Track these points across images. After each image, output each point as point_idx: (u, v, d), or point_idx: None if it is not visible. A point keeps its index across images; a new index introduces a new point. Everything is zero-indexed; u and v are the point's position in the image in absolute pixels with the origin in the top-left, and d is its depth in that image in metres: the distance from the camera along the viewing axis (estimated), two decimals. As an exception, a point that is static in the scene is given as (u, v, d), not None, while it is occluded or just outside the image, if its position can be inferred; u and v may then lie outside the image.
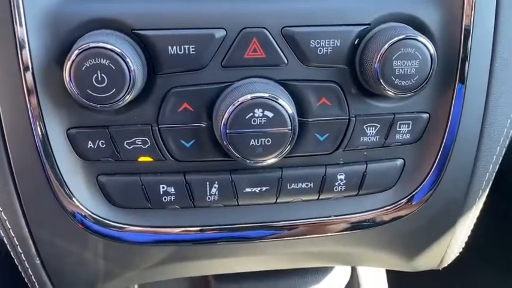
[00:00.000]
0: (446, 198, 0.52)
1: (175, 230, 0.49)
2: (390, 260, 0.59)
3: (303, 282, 0.80)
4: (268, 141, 0.43)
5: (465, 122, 0.49)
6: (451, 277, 0.82)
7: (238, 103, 0.42)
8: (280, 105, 0.43)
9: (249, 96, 0.42)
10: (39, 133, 0.43)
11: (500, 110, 0.50)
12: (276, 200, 0.49)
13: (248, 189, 0.48)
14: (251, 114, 0.42)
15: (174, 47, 0.42)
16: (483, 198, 0.54)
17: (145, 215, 0.48)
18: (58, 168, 0.44)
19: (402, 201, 0.52)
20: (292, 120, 0.43)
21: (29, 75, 0.41)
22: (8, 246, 0.49)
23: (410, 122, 0.49)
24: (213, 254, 0.54)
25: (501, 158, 0.52)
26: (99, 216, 0.47)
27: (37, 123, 0.43)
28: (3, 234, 0.48)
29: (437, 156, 0.50)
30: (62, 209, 0.46)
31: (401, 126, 0.49)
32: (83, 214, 0.46)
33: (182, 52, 0.42)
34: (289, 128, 0.43)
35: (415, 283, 0.79)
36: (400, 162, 0.51)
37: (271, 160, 0.44)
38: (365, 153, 0.50)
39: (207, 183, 0.48)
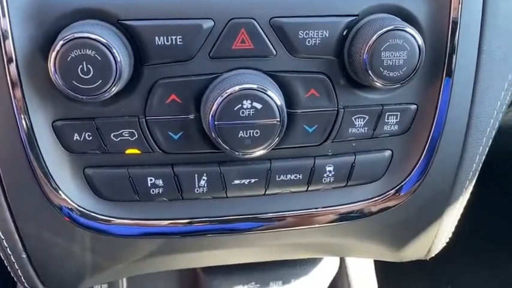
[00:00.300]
0: (434, 189, 0.53)
1: (163, 222, 0.48)
2: (378, 251, 0.60)
3: (292, 273, 0.81)
4: (256, 132, 0.43)
5: (452, 113, 0.49)
6: (437, 267, 0.83)
7: (227, 94, 0.42)
8: (269, 96, 0.42)
9: (237, 88, 0.42)
10: (24, 126, 0.42)
11: (487, 101, 0.50)
12: (265, 191, 0.49)
13: (237, 181, 0.48)
14: (239, 105, 0.42)
15: (161, 38, 0.42)
16: (470, 189, 0.55)
17: (132, 208, 0.48)
18: (44, 161, 0.44)
19: (390, 192, 0.52)
20: (281, 111, 0.43)
21: (12, 67, 0.40)
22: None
23: (399, 113, 0.49)
24: (201, 246, 0.54)
25: (487, 149, 0.53)
26: (85, 209, 0.46)
27: (22, 116, 0.42)
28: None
29: (425, 147, 0.50)
30: (48, 202, 0.45)
31: (390, 117, 0.49)
32: (70, 207, 0.46)
33: (169, 43, 0.42)
34: (278, 119, 0.43)
35: (402, 272, 0.79)
36: (388, 153, 0.51)
37: (259, 152, 0.44)
38: (353, 144, 0.50)
39: (196, 175, 0.47)
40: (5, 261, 0.50)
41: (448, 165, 0.52)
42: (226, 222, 0.50)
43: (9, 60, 0.40)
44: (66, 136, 0.44)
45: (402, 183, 0.52)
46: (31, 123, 0.42)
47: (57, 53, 0.38)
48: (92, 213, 0.47)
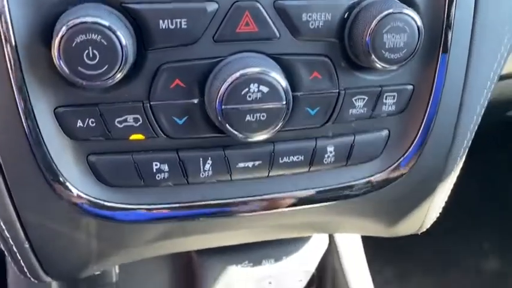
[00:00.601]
0: (428, 166, 0.55)
1: (169, 206, 0.48)
2: (373, 227, 0.62)
3: (283, 251, 0.83)
4: (263, 116, 0.43)
5: (447, 91, 0.51)
6: (422, 241, 0.86)
7: (234, 79, 0.42)
8: (275, 79, 0.43)
9: (244, 72, 0.42)
10: (26, 113, 0.41)
11: (480, 80, 0.52)
12: (268, 173, 0.50)
13: (241, 164, 0.48)
14: (246, 89, 0.42)
15: (166, 21, 0.41)
16: (460, 165, 0.57)
17: (137, 194, 0.47)
18: (46, 148, 0.43)
19: (387, 170, 0.54)
20: (287, 94, 0.43)
21: (12, 52, 0.39)
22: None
23: (396, 93, 0.50)
24: (203, 228, 0.55)
25: (477, 126, 0.55)
26: (90, 196, 0.46)
27: (23, 103, 0.41)
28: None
29: (420, 125, 0.52)
30: (52, 190, 0.44)
31: (388, 98, 0.50)
32: (74, 195, 0.45)
33: (174, 26, 0.41)
34: (284, 102, 0.43)
35: (389, 247, 0.82)
36: (385, 132, 0.53)
37: (265, 135, 0.45)
38: (353, 125, 0.51)
39: (201, 159, 0.47)
40: (5, 252, 0.49)
41: (442, 143, 0.54)
42: (231, 205, 0.50)
43: (8, 44, 0.39)
44: (68, 123, 0.43)
45: (399, 161, 0.53)
46: (33, 110, 0.41)
47: (61, 39, 0.37)
48: (97, 200, 0.46)
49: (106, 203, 0.47)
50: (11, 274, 0.74)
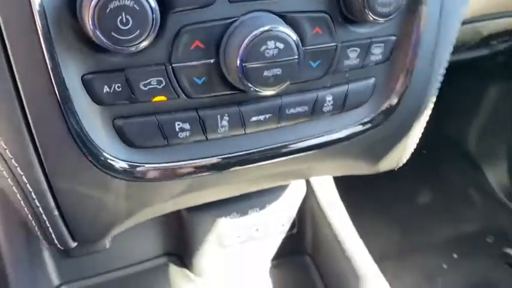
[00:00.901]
0: (409, 107, 0.62)
1: (191, 162, 0.52)
2: (358, 166, 0.69)
3: (267, 200, 0.89)
4: (278, 71, 0.47)
5: (424, 41, 0.58)
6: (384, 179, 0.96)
7: (253, 37, 0.45)
8: (289, 36, 0.46)
9: (262, 29, 0.45)
10: (57, 81, 0.42)
11: (452, 23, 0.59)
12: (277, 125, 0.55)
13: (254, 118, 0.52)
14: (265, 46, 0.46)
15: None
16: (432, 104, 0.65)
17: (161, 153, 0.50)
18: (77, 115, 0.44)
19: (374, 113, 0.61)
20: (299, 49, 0.47)
21: (43, 20, 0.39)
22: (15, 204, 0.48)
23: (383, 44, 0.56)
24: (216, 181, 0.58)
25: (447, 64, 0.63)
26: (118, 159, 0.48)
27: (54, 71, 0.41)
28: (15, 190, 0.47)
29: (402, 72, 0.59)
30: (83, 155, 0.46)
31: (376, 48, 0.56)
32: (103, 158, 0.47)
33: None
34: (296, 57, 0.48)
35: (358, 186, 0.91)
36: (372, 80, 0.59)
37: (279, 89, 0.49)
38: (347, 75, 0.56)
39: (218, 116, 0.51)
40: (30, 222, 0.50)
41: (420, 85, 0.61)
42: (247, 155, 0.54)
43: (39, 14, 0.39)
44: (95, 89, 0.44)
45: (384, 105, 0.60)
46: (63, 78, 0.42)
47: (95, 6, 0.38)
48: (125, 162, 0.48)
49: (133, 164, 0.49)
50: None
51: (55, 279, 0.79)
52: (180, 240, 0.88)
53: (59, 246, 0.52)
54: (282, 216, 0.91)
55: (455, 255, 1.48)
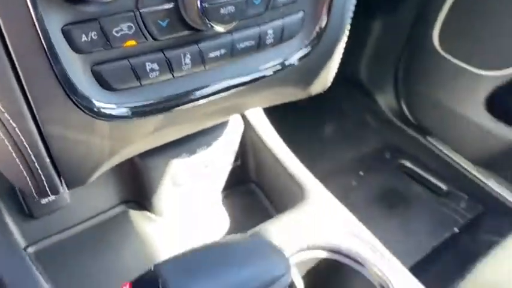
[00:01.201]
0: (333, 33, 0.73)
1: (163, 99, 0.58)
2: (293, 93, 0.79)
3: (211, 138, 0.97)
4: (232, 8, 0.55)
5: None
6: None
7: (209, -19, 0.52)
8: None
9: None
10: (42, 32, 0.45)
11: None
12: (230, 59, 0.62)
13: (212, 54, 0.60)
14: None
15: None
16: (348, 28, 0.77)
17: (136, 93, 0.56)
18: (61, 62, 0.48)
19: (306, 42, 0.71)
20: None
21: None
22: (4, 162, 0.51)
23: None
24: (181, 118, 0.65)
25: None
26: (100, 102, 0.53)
27: (38, 23, 0.44)
28: (7, 144, 0.50)
29: (325, 4, 0.69)
30: (70, 100, 0.50)
31: None
32: (88, 102, 0.51)
33: None
34: None
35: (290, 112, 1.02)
36: (301, 13, 0.68)
37: (231, 26, 0.56)
38: (281, 10, 0.65)
39: (181, 54, 0.57)
40: (22, 173, 0.53)
41: (340, 14, 0.72)
42: (206, 88, 0.62)
43: None
44: (75, 39, 0.48)
45: (313, 34, 0.71)
46: (47, 29, 0.45)
47: None
48: (105, 104, 0.53)
49: (113, 105, 0.54)
50: None
51: (21, 242, 0.81)
52: (135, 187, 0.94)
53: (49, 194, 0.56)
54: (226, 151, 1.00)
55: (361, 173, 1.66)
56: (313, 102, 0.93)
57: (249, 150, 1.04)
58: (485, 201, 1.56)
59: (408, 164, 1.73)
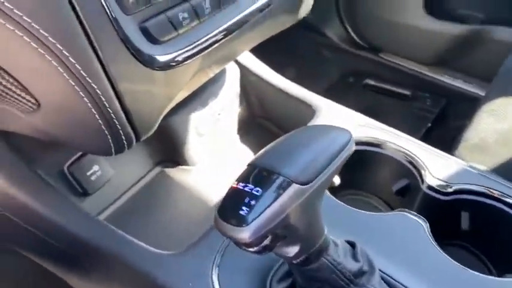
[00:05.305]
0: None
1: (200, 41, 0.67)
2: (285, 21, 0.89)
3: (218, 86, 1.06)
4: None
5: None
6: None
7: None
8: None
9: None
10: (107, 4, 0.54)
11: None
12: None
13: None
14: None
15: None
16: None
17: (177, 42, 0.65)
18: (122, 27, 0.56)
19: None
20: None
21: None
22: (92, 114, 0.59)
23: None
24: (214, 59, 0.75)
25: None
26: (154, 54, 0.62)
27: None
28: (86, 100, 0.58)
29: None
30: (133, 57, 0.59)
31: None
32: (144, 56, 0.60)
33: None
34: None
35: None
36: None
37: None
38: None
39: (202, 2, 0.66)
40: (103, 131, 0.61)
41: None
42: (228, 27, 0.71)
43: None
44: (124, 1, 0.56)
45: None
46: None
47: None
48: (158, 55, 0.62)
49: (164, 56, 0.63)
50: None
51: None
52: (165, 147, 1.03)
53: (126, 147, 0.65)
54: (231, 96, 1.10)
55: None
56: (269, 49, 1.02)
57: (249, 89, 1.15)
58: (446, 95, 1.75)
59: (371, 82, 1.89)
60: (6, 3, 0.49)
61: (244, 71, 1.13)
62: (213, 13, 0.68)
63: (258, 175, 0.51)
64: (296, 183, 0.49)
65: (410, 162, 0.88)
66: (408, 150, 0.88)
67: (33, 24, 0.50)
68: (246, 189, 0.49)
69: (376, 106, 1.85)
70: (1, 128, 0.71)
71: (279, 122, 1.15)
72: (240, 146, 1.14)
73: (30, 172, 0.81)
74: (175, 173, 1.04)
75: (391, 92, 1.84)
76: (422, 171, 0.84)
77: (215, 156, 1.10)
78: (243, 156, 1.12)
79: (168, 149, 1.03)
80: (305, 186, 0.50)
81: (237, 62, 1.13)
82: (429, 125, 1.70)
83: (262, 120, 1.18)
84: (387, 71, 1.87)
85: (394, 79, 1.85)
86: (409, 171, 0.88)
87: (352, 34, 1.90)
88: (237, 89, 1.12)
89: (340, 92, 1.88)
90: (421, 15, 1.68)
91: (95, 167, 0.91)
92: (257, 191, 0.48)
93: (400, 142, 0.89)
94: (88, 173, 0.90)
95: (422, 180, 0.84)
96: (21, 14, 0.50)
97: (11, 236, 0.89)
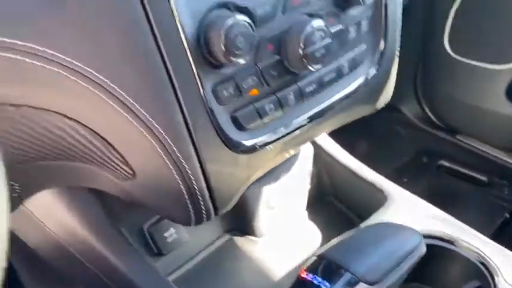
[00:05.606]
0: (390, 53, 0.87)
1: (280, 129, 0.73)
2: (363, 109, 0.93)
3: (290, 163, 1.11)
4: (322, 50, 0.70)
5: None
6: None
7: (307, 32, 0.67)
8: (325, 27, 0.70)
9: (310, 25, 0.68)
10: (204, 94, 0.61)
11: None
12: (321, 90, 0.77)
13: (307, 89, 0.74)
14: (314, 37, 0.68)
15: None
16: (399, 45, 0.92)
17: (260, 130, 0.71)
18: (215, 116, 0.63)
19: (372, 64, 0.86)
20: (330, 34, 0.71)
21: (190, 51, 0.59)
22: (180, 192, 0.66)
23: (367, 21, 0.81)
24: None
25: None
26: (243, 140, 0.68)
27: (202, 86, 0.61)
28: (180, 183, 0.64)
29: (381, 35, 0.84)
30: (223, 143, 0.66)
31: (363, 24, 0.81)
32: (233, 142, 0.67)
33: None
34: (330, 39, 0.71)
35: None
36: (365, 46, 0.84)
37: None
38: (350, 44, 0.81)
39: (287, 94, 0.72)
40: (187, 205, 0.68)
41: (393, 37, 0.87)
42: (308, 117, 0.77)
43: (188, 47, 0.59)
44: (219, 94, 0.64)
45: (376, 57, 0.86)
46: (204, 89, 0.62)
47: (225, 35, 0.58)
48: (245, 141, 0.68)
49: (249, 141, 0.69)
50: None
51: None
52: (236, 216, 1.08)
53: (205, 219, 0.71)
54: (303, 174, 1.15)
55: (405, 180, 1.74)
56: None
57: (321, 167, 1.18)
58: (526, 185, 1.65)
59: (446, 163, 1.83)
60: (111, 84, 0.57)
61: (317, 149, 1.17)
62: (295, 104, 0.74)
63: (327, 267, 0.53)
64: (363, 282, 0.51)
65: (483, 264, 0.85)
66: (481, 251, 0.85)
67: (137, 106, 0.59)
68: (315, 281, 0.51)
69: (450, 190, 1.79)
70: (98, 188, 0.80)
71: (348, 203, 1.16)
72: (308, 223, 1.16)
73: (114, 229, 0.89)
74: (243, 243, 1.08)
75: (466, 176, 1.76)
76: (496, 277, 0.81)
77: (283, 230, 1.12)
78: (310, 232, 1.14)
79: (239, 218, 1.08)
80: (372, 286, 0.51)
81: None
82: (507, 215, 1.61)
83: (332, 199, 1.20)
84: (463, 154, 1.81)
85: (470, 163, 1.78)
86: (481, 272, 0.85)
87: (429, 113, 1.87)
88: (309, 166, 1.16)
89: (411, 171, 1.84)
90: (502, 101, 1.65)
91: (172, 230, 0.98)
92: (325, 285, 0.51)
93: (473, 241, 0.87)
94: (165, 235, 0.96)
95: (495, 285, 0.81)
96: (128, 97, 0.58)
97: (85, 280, 0.97)
